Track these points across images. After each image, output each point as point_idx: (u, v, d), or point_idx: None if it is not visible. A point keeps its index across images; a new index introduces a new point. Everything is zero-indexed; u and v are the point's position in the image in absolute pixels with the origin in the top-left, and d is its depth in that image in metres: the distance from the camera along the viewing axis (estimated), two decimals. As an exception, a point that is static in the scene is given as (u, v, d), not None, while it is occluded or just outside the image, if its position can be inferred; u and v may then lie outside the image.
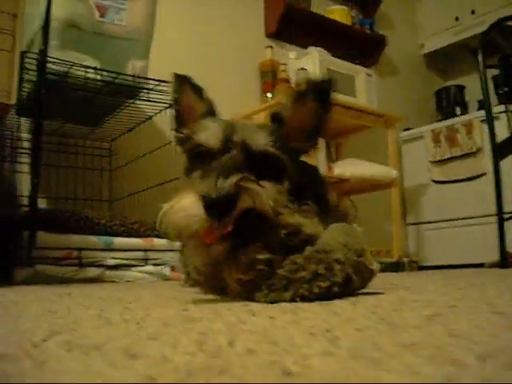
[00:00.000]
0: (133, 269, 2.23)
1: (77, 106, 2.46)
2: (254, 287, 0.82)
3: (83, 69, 2.15)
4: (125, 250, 2.25)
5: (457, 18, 4.89)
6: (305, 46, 4.02)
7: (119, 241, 2.26)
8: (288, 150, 0.99)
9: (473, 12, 4.75)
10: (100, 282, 2.09)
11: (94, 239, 2.19)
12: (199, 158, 0.98)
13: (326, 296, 0.79)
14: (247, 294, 0.84)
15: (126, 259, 2.23)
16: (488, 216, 3.89)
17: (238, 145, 0.93)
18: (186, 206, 0.83)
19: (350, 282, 0.82)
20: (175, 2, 3.46)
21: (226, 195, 0.79)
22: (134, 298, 1.05)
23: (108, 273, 2.16)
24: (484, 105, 4.68)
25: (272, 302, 0.79)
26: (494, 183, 2.43)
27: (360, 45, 4.41)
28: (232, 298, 0.89)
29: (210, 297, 1.00)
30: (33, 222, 2.01)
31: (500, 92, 4.48)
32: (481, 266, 3.80)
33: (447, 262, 4.06)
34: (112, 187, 3.08)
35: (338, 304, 0.73)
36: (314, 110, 1.02)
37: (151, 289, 1.45)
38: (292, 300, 0.78)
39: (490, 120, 2.49)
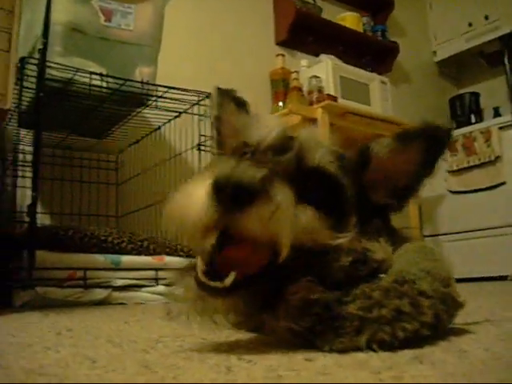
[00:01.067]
0: (143, 289, 2.06)
1: (81, 116, 2.32)
2: (311, 332, 0.63)
3: (88, 75, 2.00)
4: (134, 269, 2.08)
5: (470, 24, 4.75)
6: (316, 54, 3.90)
7: (127, 259, 2.10)
8: (363, 197, 0.79)
9: (486, 17, 4.62)
10: (107, 304, 1.93)
11: (100, 258, 2.03)
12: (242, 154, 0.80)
13: (412, 340, 0.61)
14: (302, 340, 0.64)
15: (135, 279, 2.07)
16: (510, 226, 3.74)
17: (294, 150, 0.75)
18: (190, 189, 0.65)
19: (439, 321, 0.64)
20: (182, 9, 3.33)
21: (248, 181, 0.60)
22: (155, 337, 0.88)
23: (115, 294, 2.00)
24: (499, 112, 4.62)
25: (340, 351, 0.60)
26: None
27: (372, 52, 4.29)
28: (277, 341, 0.69)
29: (249, 340, 0.78)
30: (32, 240, 1.85)
31: (517, 99, 4.36)
32: (504, 278, 3.65)
33: (467, 274, 3.88)
34: (119, 202, 2.94)
35: (434, 353, 0.57)
36: (417, 161, 0.80)
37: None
38: (368, 347, 0.59)
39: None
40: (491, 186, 3.88)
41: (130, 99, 2.19)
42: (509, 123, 3.90)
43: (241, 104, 0.96)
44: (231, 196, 0.59)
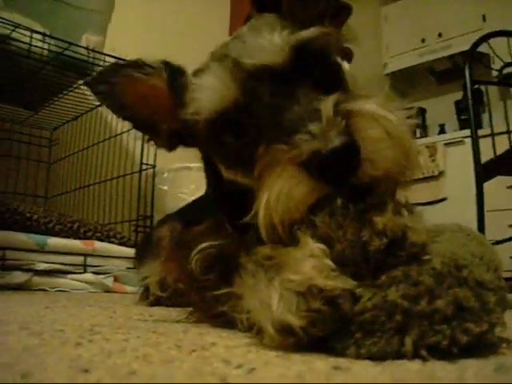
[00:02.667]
0: (68, 276, 1.86)
1: (16, 82, 2.09)
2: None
3: (28, 33, 1.79)
4: (60, 253, 1.88)
5: (423, 40, 4.78)
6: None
7: (54, 241, 1.88)
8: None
9: (440, 35, 4.66)
10: (26, 289, 1.72)
11: (22, 237, 1.81)
12: (225, 132, 0.67)
13: (474, 347, 0.45)
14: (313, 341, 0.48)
15: (61, 264, 1.86)
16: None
17: (260, 73, 0.63)
18: (286, 185, 0.54)
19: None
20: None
21: (343, 141, 0.51)
22: (88, 326, 0.72)
23: (37, 279, 1.78)
24: (444, 129, 4.67)
25: (373, 358, 0.44)
26: (477, 208, 2.23)
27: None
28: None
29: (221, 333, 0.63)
30: None
31: (462, 117, 4.41)
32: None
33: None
34: (49, 181, 2.71)
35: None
36: None
37: (101, 307, 1.10)
38: (414, 353, 0.43)
39: (475, 141, 2.29)
40: (432, 200, 3.88)
41: (73, 67, 1.98)
42: (454, 140, 3.93)
43: (136, 66, 0.77)
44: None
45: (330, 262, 0.48)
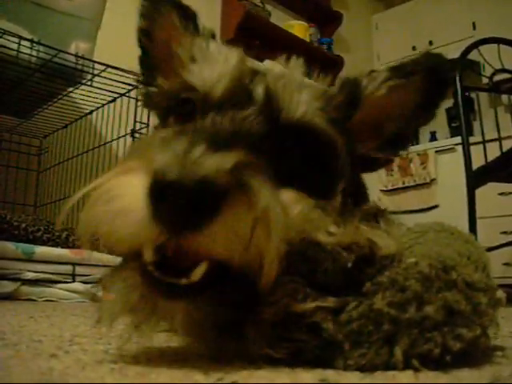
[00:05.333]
0: (56, 285, 1.83)
1: (5, 89, 2.07)
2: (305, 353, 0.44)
3: (16, 40, 1.77)
4: (48, 262, 1.85)
5: (414, 48, 4.79)
6: (261, 59, 3.78)
7: (42, 250, 1.85)
8: (351, 151, 0.60)
9: (430, 43, 4.68)
10: (14, 299, 1.69)
11: (10, 246, 1.78)
12: (183, 111, 0.59)
13: (467, 353, 0.43)
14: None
15: (50, 273, 1.83)
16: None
17: (259, 99, 0.55)
18: (118, 188, 0.43)
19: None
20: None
21: (201, 180, 0.38)
22: (68, 336, 0.70)
23: (25, 288, 1.76)
24: (435, 136, 4.68)
25: (362, 369, 0.42)
26: (469, 215, 2.23)
27: (317, 63, 4.20)
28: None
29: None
30: None
31: (453, 125, 4.42)
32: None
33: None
34: (39, 190, 2.68)
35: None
36: (416, 98, 0.64)
37: (86, 317, 1.08)
38: (405, 363, 0.41)
39: (466, 148, 2.29)
40: (424, 208, 3.88)
41: (62, 74, 1.96)
42: (445, 147, 3.93)
43: (187, 16, 0.74)
44: (186, 206, 0.39)
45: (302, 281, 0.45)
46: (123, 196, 0.42)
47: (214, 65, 0.60)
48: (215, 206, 0.40)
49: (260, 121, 0.53)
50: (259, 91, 0.57)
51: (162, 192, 0.39)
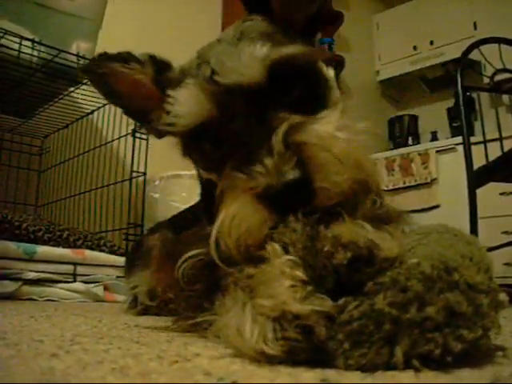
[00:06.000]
0: (57, 285, 1.83)
1: (6, 89, 2.07)
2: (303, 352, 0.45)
3: (17, 40, 1.77)
4: (49, 262, 1.85)
5: (415, 48, 4.79)
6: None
7: (43, 250, 1.86)
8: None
9: (431, 43, 4.67)
10: (15, 299, 1.69)
11: (11, 246, 1.78)
12: (200, 142, 0.69)
13: (468, 353, 0.43)
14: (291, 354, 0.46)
15: (51, 273, 1.83)
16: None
17: (232, 92, 0.63)
18: (241, 211, 0.57)
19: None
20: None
21: (292, 180, 0.54)
22: (69, 336, 0.70)
23: (26, 288, 1.76)
24: (436, 136, 4.68)
25: (363, 369, 0.42)
26: (470, 214, 2.23)
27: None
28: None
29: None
30: None
31: (454, 124, 4.41)
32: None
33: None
34: (40, 190, 2.68)
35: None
36: None
37: (87, 317, 1.08)
38: (406, 364, 0.41)
39: (467, 148, 2.29)
40: (425, 208, 3.87)
41: (63, 74, 1.97)
42: (446, 147, 3.93)
43: (125, 60, 0.80)
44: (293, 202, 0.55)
45: (302, 276, 0.47)
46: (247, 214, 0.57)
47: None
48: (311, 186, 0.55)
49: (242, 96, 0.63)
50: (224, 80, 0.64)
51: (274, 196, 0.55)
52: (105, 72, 0.80)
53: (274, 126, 0.59)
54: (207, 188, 0.75)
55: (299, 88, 0.66)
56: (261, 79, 0.63)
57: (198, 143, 0.70)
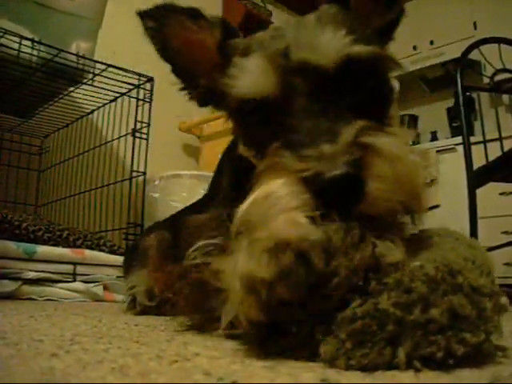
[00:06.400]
0: (57, 285, 1.83)
1: (5, 89, 2.07)
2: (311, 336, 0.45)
3: (17, 39, 1.77)
4: (49, 262, 1.85)
5: (414, 47, 4.79)
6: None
7: (43, 250, 1.85)
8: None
9: (431, 42, 4.67)
10: (15, 298, 1.69)
11: (11, 245, 1.78)
12: (252, 116, 0.65)
13: (470, 356, 0.43)
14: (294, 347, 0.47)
15: (50, 272, 1.83)
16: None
17: (303, 71, 0.60)
18: (280, 192, 0.51)
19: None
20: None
21: (349, 171, 0.49)
22: (69, 336, 0.70)
23: (26, 288, 1.75)
24: (436, 136, 4.68)
25: (364, 369, 0.42)
26: (470, 214, 2.23)
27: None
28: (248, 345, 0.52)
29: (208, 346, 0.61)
30: None
31: (454, 124, 4.41)
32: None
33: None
34: (40, 190, 2.68)
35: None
36: None
37: (86, 317, 1.09)
38: (408, 365, 0.41)
39: (467, 148, 2.29)
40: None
41: (63, 74, 1.97)
42: (446, 147, 3.93)
43: (191, 14, 0.77)
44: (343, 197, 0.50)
45: (302, 215, 0.48)
46: (285, 197, 0.51)
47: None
48: (362, 183, 0.50)
49: (315, 83, 0.60)
50: (296, 60, 0.61)
51: (324, 187, 0.49)
52: (168, 22, 0.77)
53: (341, 120, 0.55)
54: (242, 167, 0.70)
55: (366, 90, 0.63)
56: (334, 65, 0.61)
57: (249, 116, 0.66)
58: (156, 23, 0.77)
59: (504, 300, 0.49)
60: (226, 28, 0.77)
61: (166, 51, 0.79)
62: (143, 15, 0.77)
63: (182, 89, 0.81)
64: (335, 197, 0.50)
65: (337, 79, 0.60)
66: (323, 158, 0.50)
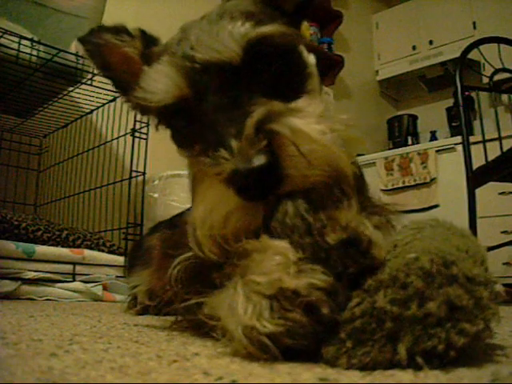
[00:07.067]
0: (57, 285, 1.83)
1: (5, 89, 2.07)
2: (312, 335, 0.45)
3: (17, 39, 1.77)
4: (49, 262, 1.85)
5: (414, 47, 4.80)
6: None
7: (42, 250, 1.86)
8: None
9: (431, 42, 4.68)
10: (14, 298, 1.69)
11: (10, 246, 1.78)
12: (174, 119, 0.69)
13: (470, 346, 0.43)
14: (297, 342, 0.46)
15: (50, 272, 1.83)
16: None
17: (209, 69, 0.62)
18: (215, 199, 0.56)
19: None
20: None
21: (259, 165, 0.51)
22: (68, 335, 0.70)
23: (25, 288, 1.75)
24: (436, 136, 4.68)
25: (365, 368, 0.42)
26: (469, 214, 2.22)
27: (318, 63, 4.21)
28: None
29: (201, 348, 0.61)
30: None
31: (453, 124, 4.41)
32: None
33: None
34: (39, 190, 2.68)
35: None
36: None
37: (86, 316, 1.09)
38: (409, 361, 0.41)
39: (466, 148, 2.29)
40: (424, 207, 3.87)
41: (62, 73, 1.96)
42: (445, 147, 3.92)
43: (117, 31, 0.82)
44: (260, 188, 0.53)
45: (294, 257, 0.47)
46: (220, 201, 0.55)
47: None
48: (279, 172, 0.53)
49: (219, 76, 0.61)
50: (200, 56, 0.63)
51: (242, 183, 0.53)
52: (99, 42, 0.82)
53: (248, 109, 0.57)
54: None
55: (276, 69, 0.64)
56: (237, 58, 0.62)
57: (171, 120, 0.69)
58: (92, 45, 0.83)
59: (498, 287, 0.49)
60: (144, 38, 0.81)
61: (103, 68, 0.85)
62: (81, 40, 0.83)
63: (125, 101, 0.84)
64: (255, 187, 0.53)
65: (245, 67, 0.62)
66: (233, 155, 0.53)
